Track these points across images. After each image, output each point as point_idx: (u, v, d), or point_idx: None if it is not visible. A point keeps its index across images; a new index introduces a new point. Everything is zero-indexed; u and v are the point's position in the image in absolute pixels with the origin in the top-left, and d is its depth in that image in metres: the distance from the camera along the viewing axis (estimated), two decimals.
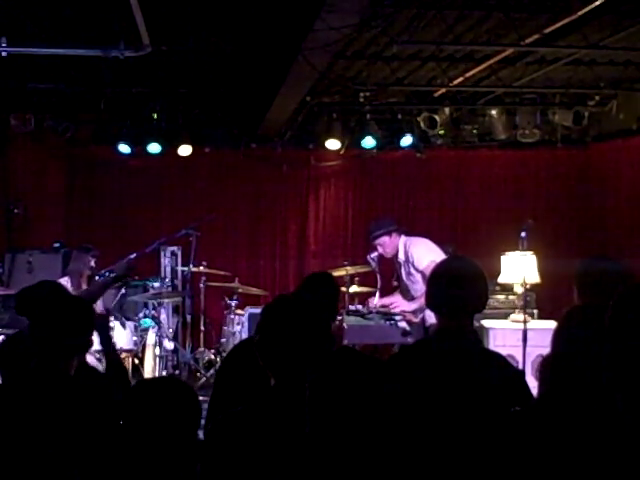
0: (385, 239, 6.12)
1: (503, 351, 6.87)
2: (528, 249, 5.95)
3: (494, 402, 2.49)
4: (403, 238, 6.16)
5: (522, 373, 2.74)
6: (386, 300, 6.47)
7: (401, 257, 6.11)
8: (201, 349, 7.73)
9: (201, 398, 7.42)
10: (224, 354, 7.16)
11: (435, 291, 2.78)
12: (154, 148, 8.11)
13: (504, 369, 2.67)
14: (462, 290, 2.69)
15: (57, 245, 7.90)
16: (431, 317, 5.74)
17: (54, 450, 2.32)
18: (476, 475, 2.22)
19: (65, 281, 6.45)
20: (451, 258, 3.11)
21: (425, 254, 5.87)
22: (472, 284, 2.72)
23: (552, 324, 2.51)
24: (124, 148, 8.16)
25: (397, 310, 6.00)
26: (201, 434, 2.41)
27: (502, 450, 1.84)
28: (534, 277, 6.63)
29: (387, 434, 1.95)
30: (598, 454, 1.61)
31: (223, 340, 7.55)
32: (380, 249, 6.16)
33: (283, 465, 2.05)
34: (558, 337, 2.06)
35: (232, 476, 2.16)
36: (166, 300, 7.90)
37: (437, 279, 2.81)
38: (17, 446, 2.36)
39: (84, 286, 6.51)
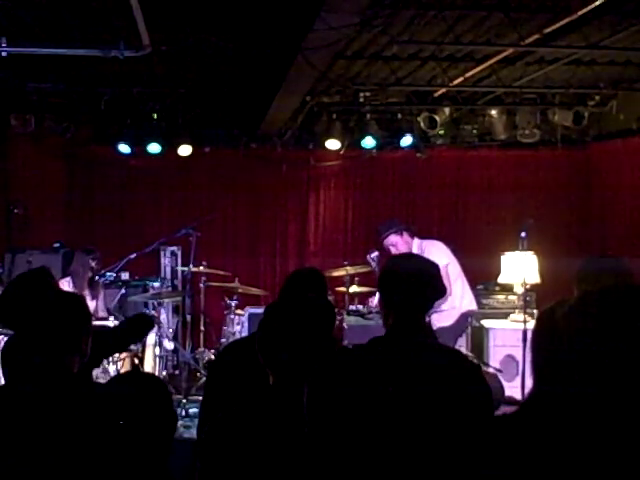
0: (397, 238, 6.09)
1: (503, 351, 6.93)
2: (528, 249, 5.96)
3: (449, 399, 2.49)
4: (417, 240, 6.13)
5: (478, 366, 2.73)
6: None
7: None
8: (201, 349, 7.73)
9: (200, 398, 7.44)
10: None
11: (388, 289, 2.78)
12: (154, 148, 8.11)
13: (459, 363, 2.67)
14: (413, 287, 2.70)
15: (57, 245, 7.90)
16: (439, 321, 5.75)
17: (58, 450, 2.32)
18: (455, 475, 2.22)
19: (67, 281, 6.46)
20: (402, 256, 3.10)
21: (441, 258, 5.82)
22: (422, 280, 2.74)
23: None
24: (124, 148, 8.16)
25: None
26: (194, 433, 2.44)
27: (478, 449, 1.84)
28: (534, 277, 6.65)
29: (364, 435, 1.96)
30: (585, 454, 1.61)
31: (223, 340, 7.55)
32: (393, 249, 6.12)
33: (282, 464, 2.06)
34: (537, 336, 2.06)
35: (231, 475, 2.16)
36: (166, 300, 7.90)
37: (389, 277, 2.81)
38: (20, 446, 2.36)
39: (85, 286, 6.52)
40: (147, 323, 3.87)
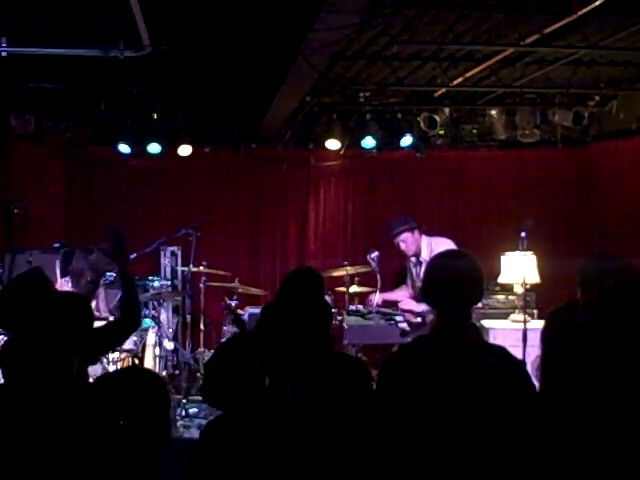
0: (408, 235, 6.12)
1: None
2: (528, 249, 5.95)
3: (497, 395, 2.50)
4: (426, 238, 6.14)
5: (523, 364, 2.74)
6: (387, 295, 6.46)
7: (424, 256, 6.10)
8: (201, 349, 7.72)
9: (200, 398, 7.42)
10: None
11: (433, 287, 2.79)
12: (154, 148, 8.11)
13: (505, 361, 2.68)
14: (460, 285, 2.71)
15: (57, 245, 7.89)
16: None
17: (60, 452, 2.32)
18: (479, 470, 2.22)
19: (66, 281, 6.46)
20: (447, 253, 3.12)
21: None
22: (469, 278, 2.75)
23: None
24: (124, 148, 8.15)
25: (405, 307, 5.98)
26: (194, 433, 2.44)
27: (504, 444, 1.85)
28: (534, 277, 6.64)
29: (380, 433, 1.96)
30: (594, 450, 1.61)
31: (223, 340, 7.54)
32: (402, 245, 6.15)
33: (280, 464, 2.05)
34: (547, 336, 2.07)
35: (228, 476, 2.16)
36: (166, 300, 7.89)
37: (434, 275, 2.82)
38: (22, 447, 2.35)
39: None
40: (136, 310, 3.77)
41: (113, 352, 6.26)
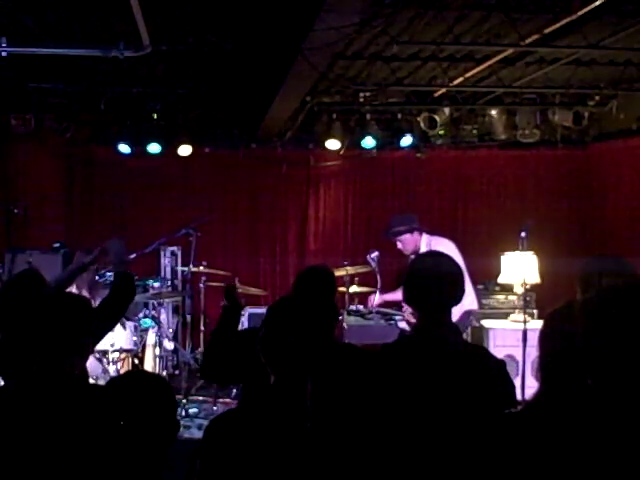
0: (407, 236, 6.09)
1: (503, 351, 6.93)
2: (528, 249, 5.95)
3: (476, 395, 2.52)
4: (426, 236, 6.10)
5: (503, 363, 2.75)
6: (388, 296, 6.44)
7: None
8: (201, 349, 7.73)
9: (200, 398, 7.43)
10: None
11: (414, 288, 2.81)
12: (154, 148, 8.11)
13: (485, 361, 2.70)
14: (441, 286, 2.73)
15: (57, 245, 7.90)
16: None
17: (64, 453, 2.31)
18: (462, 471, 2.23)
19: None
20: (428, 254, 3.14)
21: None
22: (449, 280, 2.77)
23: None
24: (124, 148, 8.16)
25: (412, 321, 5.95)
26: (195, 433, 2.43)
27: (487, 446, 1.85)
28: (534, 277, 6.65)
29: (382, 429, 1.97)
30: (589, 455, 1.61)
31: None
32: (399, 245, 6.12)
33: (284, 462, 2.06)
34: (545, 337, 2.07)
35: (231, 474, 2.16)
36: (166, 300, 7.90)
37: (416, 276, 2.84)
38: (25, 449, 2.35)
39: (84, 287, 6.51)
40: (129, 283, 3.67)
41: (113, 352, 6.26)
